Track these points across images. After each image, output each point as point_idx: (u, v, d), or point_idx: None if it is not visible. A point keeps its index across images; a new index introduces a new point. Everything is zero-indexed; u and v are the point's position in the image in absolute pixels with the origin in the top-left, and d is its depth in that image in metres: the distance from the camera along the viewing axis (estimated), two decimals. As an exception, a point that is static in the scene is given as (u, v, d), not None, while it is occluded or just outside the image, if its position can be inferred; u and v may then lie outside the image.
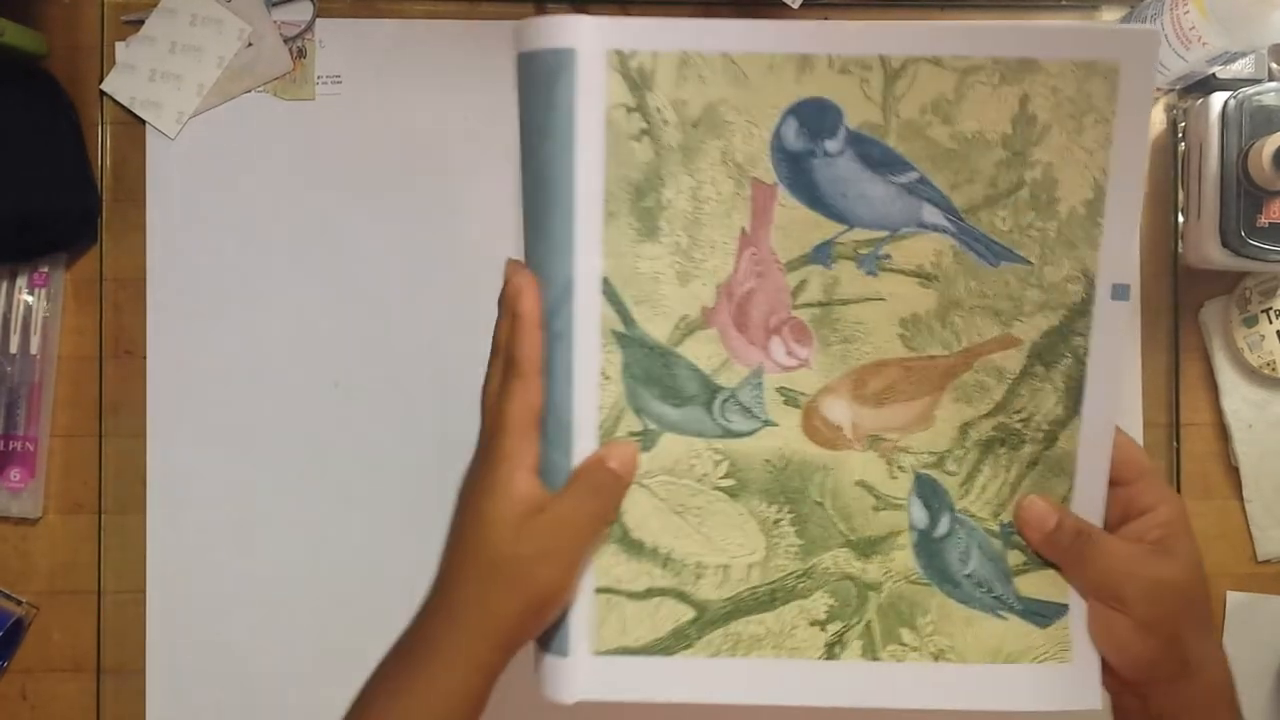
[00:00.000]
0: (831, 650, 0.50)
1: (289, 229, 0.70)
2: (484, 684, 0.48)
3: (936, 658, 0.50)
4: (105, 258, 0.70)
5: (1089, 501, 0.50)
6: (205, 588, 0.69)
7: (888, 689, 0.50)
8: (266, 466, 0.69)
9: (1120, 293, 0.49)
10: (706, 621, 0.50)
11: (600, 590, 0.50)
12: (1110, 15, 0.72)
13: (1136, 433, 0.70)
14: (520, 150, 0.49)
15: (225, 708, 0.69)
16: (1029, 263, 0.49)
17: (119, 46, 0.70)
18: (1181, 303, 0.71)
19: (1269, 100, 0.65)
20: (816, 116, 0.48)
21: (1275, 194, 0.64)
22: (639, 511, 0.50)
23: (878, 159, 0.48)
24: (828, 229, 0.49)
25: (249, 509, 0.69)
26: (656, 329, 0.49)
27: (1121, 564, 0.48)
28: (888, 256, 0.49)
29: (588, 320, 0.49)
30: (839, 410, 0.50)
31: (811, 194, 0.49)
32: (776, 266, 0.49)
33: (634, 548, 0.50)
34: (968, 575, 0.50)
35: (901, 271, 0.50)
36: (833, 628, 0.50)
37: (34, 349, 0.70)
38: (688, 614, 0.50)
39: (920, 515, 0.50)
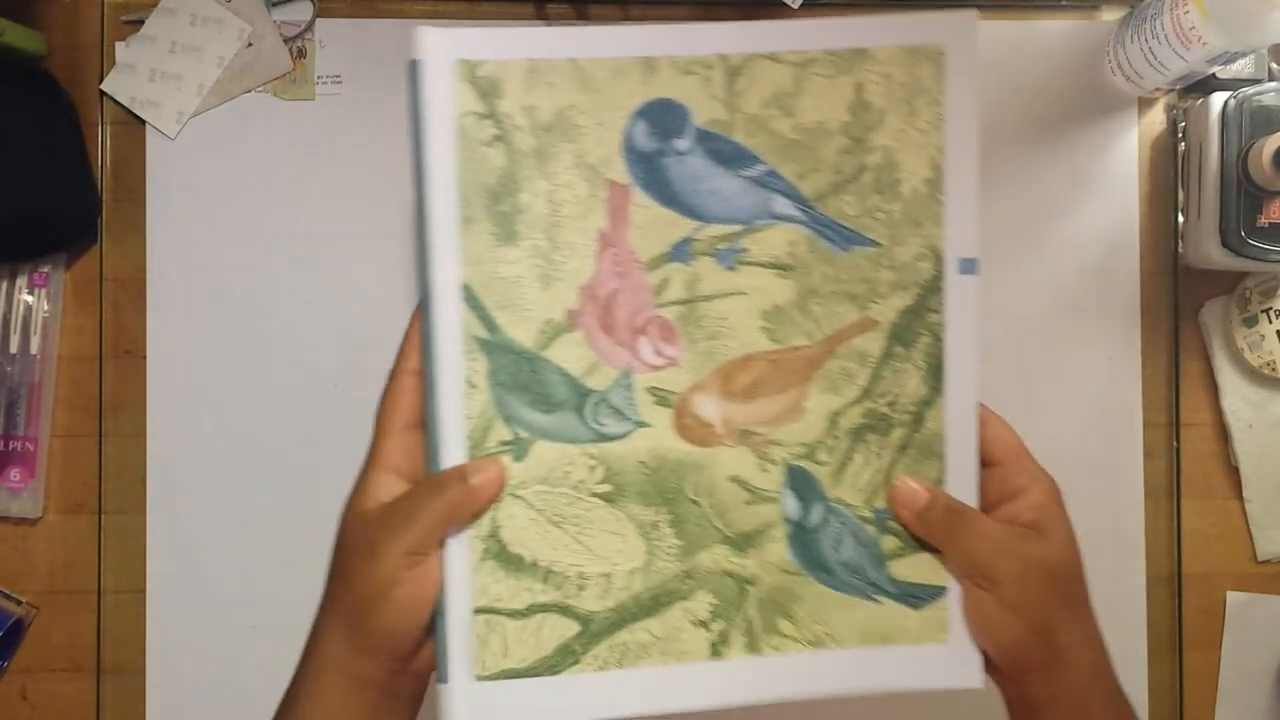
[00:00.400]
0: (716, 649, 0.50)
1: (289, 229, 0.70)
2: (364, 694, 0.46)
3: (815, 645, 0.50)
4: (105, 257, 0.70)
5: (961, 482, 0.51)
6: (205, 588, 0.69)
7: (772, 682, 0.50)
8: (266, 466, 0.69)
9: (967, 266, 0.51)
10: (592, 634, 0.49)
11: (479, 611, 0.48)
12: (1110, 15, 0.72)
13: (1135, 432, 0.71)
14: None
15: (225, 708, 0.69)
16: (878, 244, 0.50)
17: (119, 46, 0.70)
18: (1181, 303, 0.71)
19: (1269, 100, 0.65)
20: (664, 116, 0.49)
21: (1275, 194, 0.64)
22: (515, 525, 0.48)
23: (727, 154, 0.50)
24: (684, 226, 0.50)
25: (249, 509, 0.69)
26: (522, 334, 0.49)
27: (992, 544, 0.48)
28: (744, 250, 0.50)
29: (448, 328, 0.48)
30: (709, 407, 0.50)
31: (666, 192, 0.50)
32: (638, 266, 0.50)
33: (512, 563, 0.48)
34: (842, 562, 0.50)
35: (759, 264, 0.50)
36: (716, 626, 0.50)
37: (34, 349, 0.69)
38: (572, 629, 0.49)
39: (793, 506, 0.51)
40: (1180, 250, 0.71)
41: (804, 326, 0.51)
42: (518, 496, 0.49)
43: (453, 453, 0.48)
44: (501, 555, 0.48)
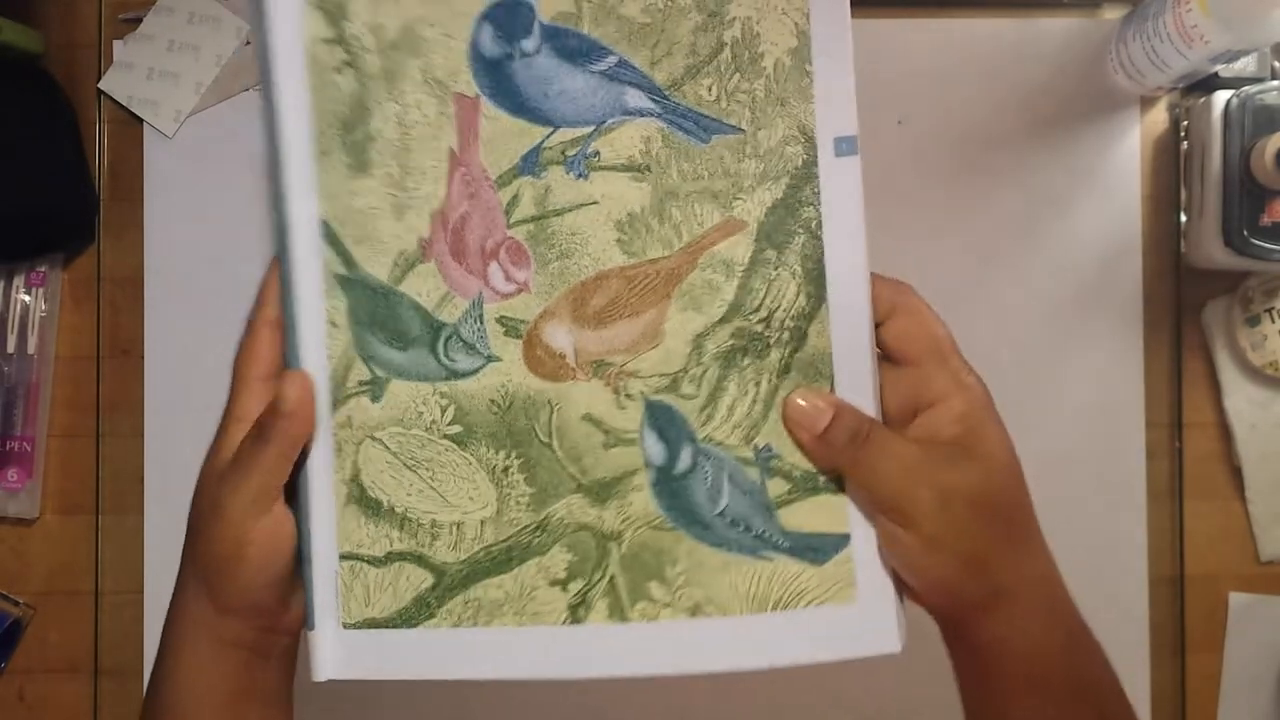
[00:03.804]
0: (575, 613, 0.44)
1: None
2: (234, 655, 0.44)
3: (694, 613, 0.44)
4: (103, 257, 0.70)
5: (854, 401, 0.43)
6: (203, 588, 0.69)
7: (642, 653, 0.44)
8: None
9: (845, 146, 0.44)
10: (446, 588, 0.45)
11: (344, 557, 0.45)
12: (1112, 13, 0.71)
13: (1138, 433, 0.70)
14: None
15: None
16: (741, 130, 0.44)
17: (116, 45, 0.70)
18: (1184, 302, 0.71)
19: (1271, 99, 0.65)
20: (509, 16, 0.45)
21: (1278, 193, 0.64)
22: (373, 468, 0.45)
23: (575, 50, 0.45)
24: (534, 135, 0.45)
25: (247, 509, 0.69)
26: (377, 268, 0.45)
27: (904, 468, 0.40)
28: (596, 154, 0.45)
29: (308, 266, 0.45)
30: (560, 335, 0.45)
31: (515, 100, 0.45)
32: (488, 184, 0.45)
33: (372, 508, 0.45)
34: (719, 514, 0.44)
35: (612, 168, 0.45)
36: (574, 587, 0.44)
37: (31, 348, 0.69)
38: (427, 580, 0.45)
39: (656, 450, 0.44)
40: (1183, 249, 0.71)
41: (661, 234, 0.44)
42: (375, 439, 0.45)
43: (321, 394, 0.45)
44: (362, 500, 0.45)
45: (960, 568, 0.40)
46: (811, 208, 0.44)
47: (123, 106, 0.70)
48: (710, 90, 0.45)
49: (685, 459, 0.44)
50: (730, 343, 0.44)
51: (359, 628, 0.45)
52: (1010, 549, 0.41)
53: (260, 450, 0.43)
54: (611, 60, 0.45)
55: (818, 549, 0.44)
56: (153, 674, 0.46)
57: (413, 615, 0.45)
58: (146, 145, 0.70)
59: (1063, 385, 0.70)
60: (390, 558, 0.45)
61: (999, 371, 0.45)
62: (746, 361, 0.44)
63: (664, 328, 0.44)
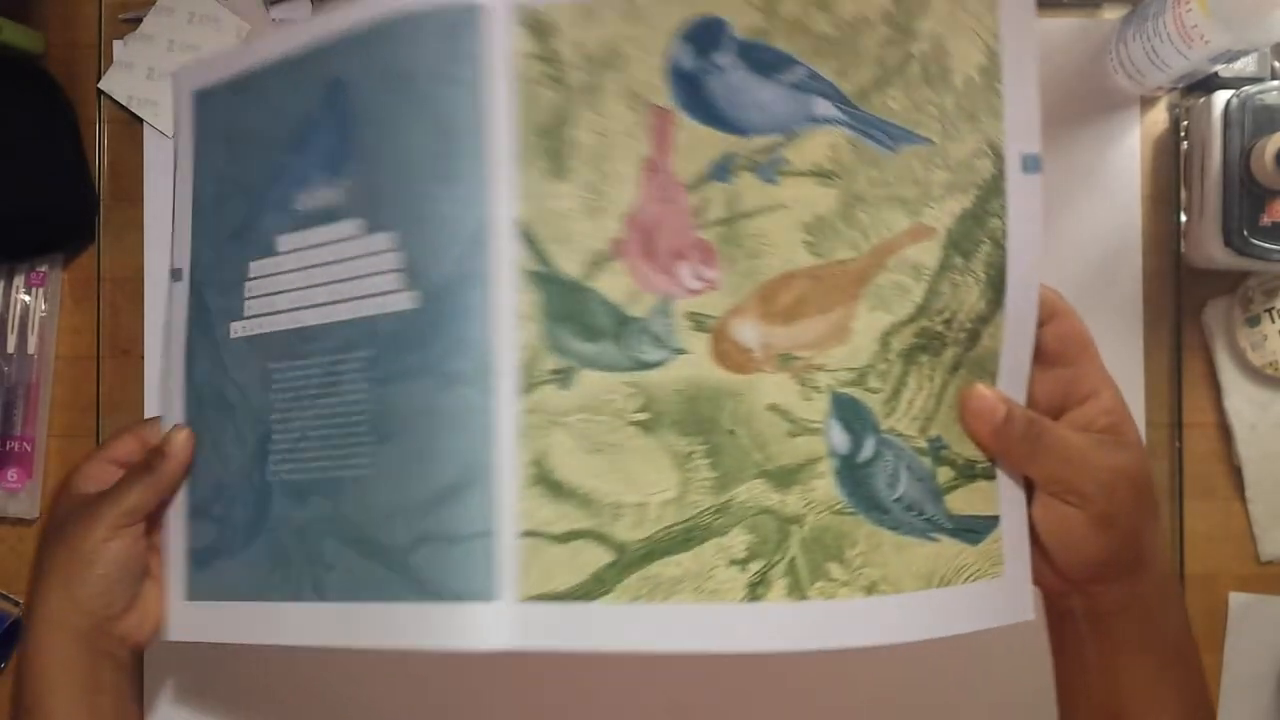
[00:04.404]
0: (754, 591, 0.47)
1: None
2: (80, 648, 0.52)
3: (869, 591, 0.46)
4: (103, 257, 0.70)
5: (1012, 395, 0.48)
6: (203, 588, 0.69)
7: (818, 629, 0.46)
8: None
9: (1031, 164, 0.47)
10: (624, 565, 0.47)
11: (525, 534, 0.48)
12: (1112, 13, 0.71)
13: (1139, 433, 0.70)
14: (397, 112, 0.51)
15: (225, 708, 0.69)
16: (930, 141, 0.47)
17: (116, 45, 0.70)
18: (1184, 302, 0.71)
19: (1272, 99, 0.65)
20: (704, 33, 0.48)
21: (1278, 193, 0.64)
22: (560, 452, 0.48)
23: (765, 62, 0.48)
24: (726, 143, 0.48)
25: (247, 509, 0.69)
26: (570, 265, 0.48)
27: (1077, 455, 0.46)
28: (785, 160, 0.48)
29: (503, 262, 0.48)
30: (748, 331, 0.48)
31: (708, 111, 0.48)
32: (679, 189, 0.49)
33: (555, 489, 0.48)
34: (897, 500, 0.47)
35: (800, 174, 0.48)
36: (754, 566, 0.47)
37: (31, 349, 0.69)
38: (606, 557, 0.47)
39: (841, 440, 0.47)
40: (1182, 250, 0.71)
41: (848, 237, 0.47)
42: (562, 424, 0.48)
43: (508, 381, 0.48)
44: (547, 481, 0.48)
45: (1120, 541, 0.46)
46: (998, 219, 0.47)
47: (123, 106, 0.70)
48: (897, 101, 0.47)
49: (869, 449, 0.47)
50: (914, 341, 0.47)
51: (536, 601, 0.47)
52: (1153, 522, 0.48)
53: (140, 479, 0.53)
54: (801, 72, 0.48)
55: (975, 530, 0.48)
56: (16, 668, 0.53)
57: (590, 590, 0.47)
58: (147, 145, 0.70)
59: (1063, 385, 0.70)
60: (571, 535, 0.48)
61: (999, 371, 0.45)
62: (925, 359, 0.47)
63: (852, 325, 0.47)
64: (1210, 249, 0.66)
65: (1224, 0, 0.59)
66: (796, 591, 0.46)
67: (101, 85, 0.70)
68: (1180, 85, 0.69)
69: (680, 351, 0.48)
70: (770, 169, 0.48)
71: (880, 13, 0.47)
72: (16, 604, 0.69)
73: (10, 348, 0.69)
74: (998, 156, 0.47)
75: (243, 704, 0.69)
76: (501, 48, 0.49)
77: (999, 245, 0.47)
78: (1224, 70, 0.67)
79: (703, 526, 0.47)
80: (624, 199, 0.49)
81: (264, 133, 0.55)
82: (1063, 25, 0.71)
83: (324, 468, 0.52)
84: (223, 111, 0.57)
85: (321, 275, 0.54)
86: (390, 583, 0.49)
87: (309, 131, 0.54)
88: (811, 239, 0.48)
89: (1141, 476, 0.47)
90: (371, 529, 0.50)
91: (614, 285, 0.48)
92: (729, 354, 0.48)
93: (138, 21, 0.70)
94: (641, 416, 0.48)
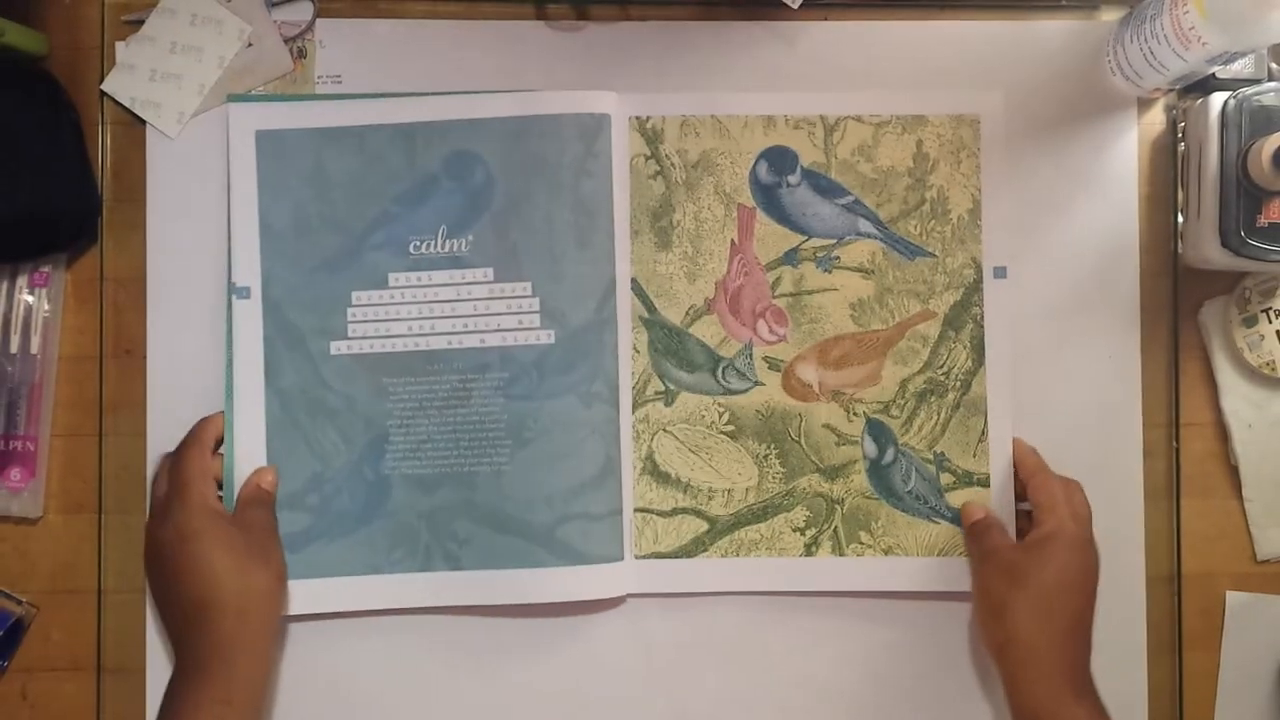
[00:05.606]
0: (809, 549, 0.69)
1: (289, 229, 0.70)
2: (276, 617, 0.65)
3: (887, 553, 0.69)
4: (106, 257, 0.70)
5: (999, 433, 0.69)
6: (205, 587, 0.69)
7: (852, 576, 0.69)
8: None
9: (1000, 273, 0.70)
10: (717, 532, 0.69)
11: (638, 510, 0.69)
12: (1110, 15, 0.72)
13: (1136, 433, 0.71)
14: (537, 189, 0.68)
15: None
16: (935, 255, 0.70)
17: (119, 46, 0.70)
18: (1181, 302, 0.71)
19: (1268, 100, 0.65)
20: (780, 159, 0.70)
21: (1275, 194, 0.64)
22: (665, 451, 0.69)
23: (825, 188, 0.70)
24: (794, 239, 0.70)
25: (249, 508, 0.70)
26: (672, 315, 0.70)
27: (997, 539, 0.67)
28: (837, 258, 0.70)
29: (624, 309, 0.69)
30: (809, 372, 0.70)
31: (781, 214, 0.70)
32: (759, 267, 0.70)
33: (662, 478, 0.69)
34: (909, 492, 0.69)
35: (848, 268, 0.70)
36: (809, 532, 0.69)
37: (34, 349, 0.70)
38: (703, 526, 0.69)
39: (871, 448, 0.70)
40: (1180, 250, 0.71)
41: (881, 315, 0.70)
42: (667, 431, 0.69)
43: (626, 396, 0.69)
44: (654, 472, 0.69)
45: (992, 616, 0.65)
46: (978, 307, 0.70)
47: (125, 108, 0.70)
48: (915, 227, 0.70)
49: (890, 455, 0.70)
50: (923, 386, 0.70)
51: (648, 558, 0.69)
52: (1026, 605, 0.64)
53: (249, 511, 0.66)
54: (850, 199, 0.70)
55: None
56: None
57: (690, 549, 0.69)
58: (149, 146, 0.70)
59: (1061, 385, 0.71)
60: (675, 511, 0.69)
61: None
62: (933, 399, 0.70)
63: (881, 374, 0.70)
64: (1207, 249, 0.66)
65: (1221, 2, 0.60)
66: (838, 550, 0.69)
67: (104, 87, 0.70)
68: (1177, 87, 0.70)
69: (759, 384, 0.70)
70: (826, 262, 0.70)
71: (905, 168, 0.70)
72: (19, 603, 0.69)
73: (13, 348, 0.70)
74: (978, 268, 0.70)
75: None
76: (620, 148, 0.69)
77: (979, 324, 0.70)
78: (1221, 72, 0.68)
79: (775, 505, 0.70)
80: (716, 269, 0.70)
81: (362, 181, 0.68)
82: (1060, 27, 0.72)
83: (453, 464, 0.68)
84: (299, 154, 0.68)
85: (445, 310, 0.68)
86: (532, 553, 0.67)
87: (427, 191, 0.68)
88: (855, 314, 0.70)
89: (1049, 586, 0.63)
90: (511, 511, 0.67)
91: (707, 332, 0.70)
92: (794, 388, 0.70)
93: (140, 23, 0.70)
94: (729, 428, 0.70)
